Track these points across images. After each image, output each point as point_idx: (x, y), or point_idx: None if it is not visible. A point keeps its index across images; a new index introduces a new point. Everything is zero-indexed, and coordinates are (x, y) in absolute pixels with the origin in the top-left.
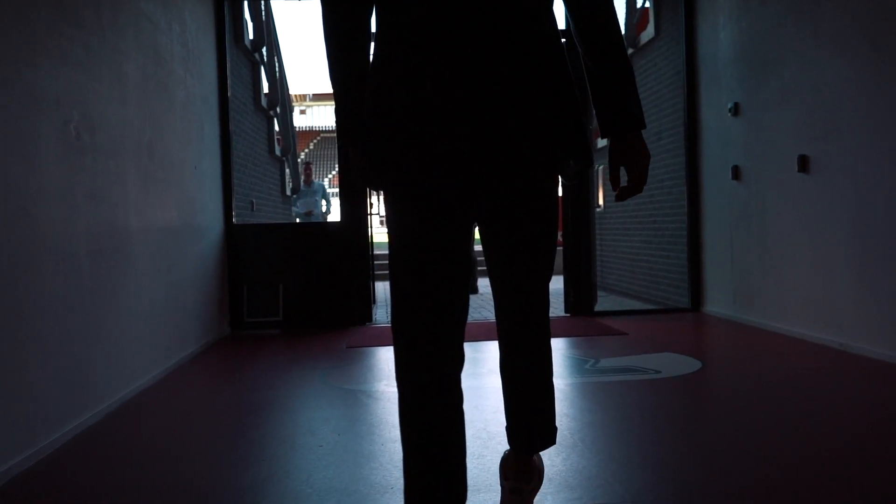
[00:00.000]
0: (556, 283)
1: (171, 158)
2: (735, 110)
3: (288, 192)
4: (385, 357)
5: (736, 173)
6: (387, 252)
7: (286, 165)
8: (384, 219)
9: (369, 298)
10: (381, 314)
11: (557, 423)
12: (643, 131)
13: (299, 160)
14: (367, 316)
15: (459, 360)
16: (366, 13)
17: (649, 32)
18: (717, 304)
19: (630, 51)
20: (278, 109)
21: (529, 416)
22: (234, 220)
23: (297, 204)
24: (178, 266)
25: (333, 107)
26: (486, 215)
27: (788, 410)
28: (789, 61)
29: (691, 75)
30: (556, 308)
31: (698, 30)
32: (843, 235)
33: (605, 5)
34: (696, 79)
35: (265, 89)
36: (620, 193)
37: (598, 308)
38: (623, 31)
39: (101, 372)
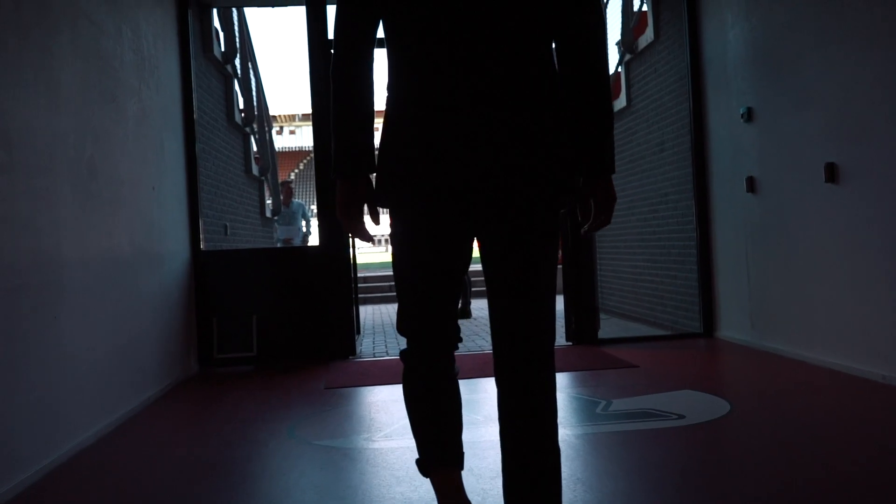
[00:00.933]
0: (556, 307)
1: (120, 177)
2: (748, 116)
3: (268, 214)
4: (369, 401)
5: (751, 185)
6: (372, 275)
7: (266, 186)
8: (390, 235)
9: (352, 329)
10: (367, 345)
11: (571, 495)
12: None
13: (282, 180)
14: (351, 348)
15: (452, 342)
16: (372, 55)
17: (648, 36)
18: (731, 328)
19: (627, 57)
20: (255, 126)
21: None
22: (202, 245)
23: (279, 229)
24: (129, 300)
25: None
26: (488, 245)
27: (842, 464)
28: (811, 59)
29: (696, 79)
30: (557, 336)
31: (703, 29)
32: (881, 250)
33: (597, 55)
34: (703, 83)
35: (241, 104)
36: (591, 228)
37: (601, 335)
38: (620, 37)
39: (21, 435)
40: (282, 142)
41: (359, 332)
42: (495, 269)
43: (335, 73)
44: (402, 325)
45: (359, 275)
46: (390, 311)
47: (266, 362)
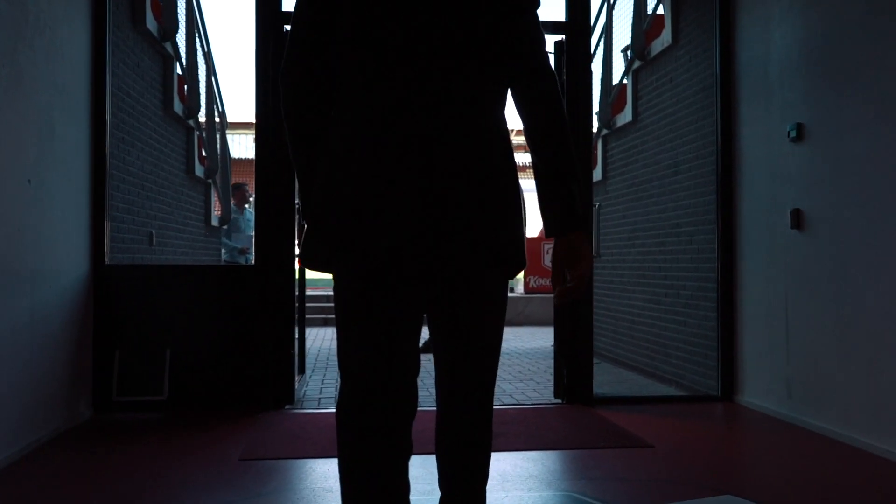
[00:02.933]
0: (546, 360)
1: None
2: (798, 134)
3: (215, 223)
4: (300, 485)
5: (797, 219)
6: (317, 295)
7: (213, 190)
8: (333, 298)
9: (291, 370)
10: (314, 385)
11: None
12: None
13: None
14: (288, 395)
15: (408, 450)
16: (325, 105)
17: (664, 40)
18: (759, 393)
19: (637, 64)
20: (203, 121)
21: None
22: (106, 259)
23: (230, 238)
24: None
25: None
26: (433, 307)
27: None
28: (890, 63)
29: (727, 89)
30: (544, 390)
31: (739, 28)
32: None
33: (555, 107)
34: (734, 93)
35: (185, 93)
36: (560, 293)
37: (596, 389)
38: (630, 42)
39: None
40: (241, 151)
41: (302, 372)
42: (442, 328)
43: (289, 130)
44: (353, 414)
45: (310, 293)
46: None
47: (179, 409)
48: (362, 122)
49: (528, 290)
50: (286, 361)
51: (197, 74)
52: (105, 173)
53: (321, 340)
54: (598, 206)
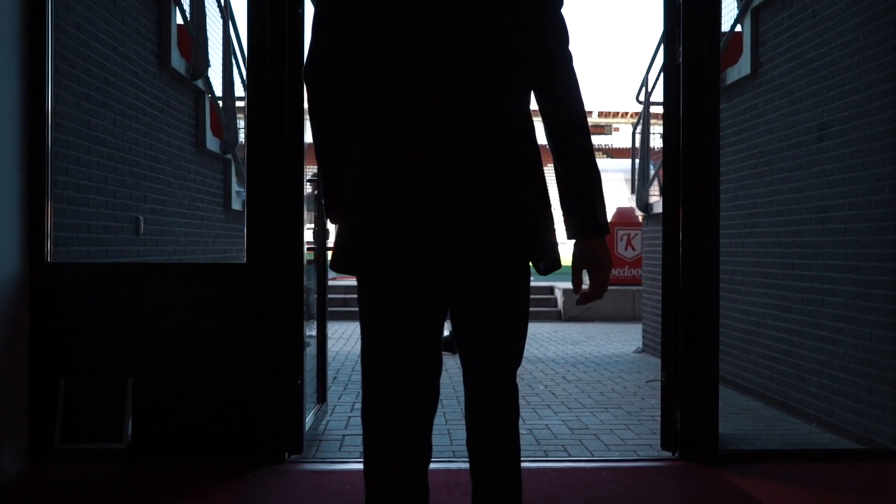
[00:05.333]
0: (632, 373)
1: None
2: None
3: (237, 206)
4: None
5: None
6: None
7: (232, 167)
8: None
9: (297, 405)
10: (339, 418)
11: None
12: None
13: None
14: (294, 439)
15: (429, 453)
16: (347, 104)
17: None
18: None
19: (757, 0)
20: (211, 83)
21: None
22: (48, 256)
23: None
24: None
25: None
26: (457, 306)
27: None
28: None
29: None
30: (642, 430)
31: None
32: None
33: (577, 114)
34: None
35: (190, 49)
36: (581, 298)
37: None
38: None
39: None
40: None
41: (321, 400)
42: (466, 325)
43: (314, 128)
44: (375, 418)
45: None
46: None
47: (144, 460)
48: (389, 128)
49: None
50: (290, 393)
51: (205, 23)
52: (45, 139)
53: (346, 341)
54: None
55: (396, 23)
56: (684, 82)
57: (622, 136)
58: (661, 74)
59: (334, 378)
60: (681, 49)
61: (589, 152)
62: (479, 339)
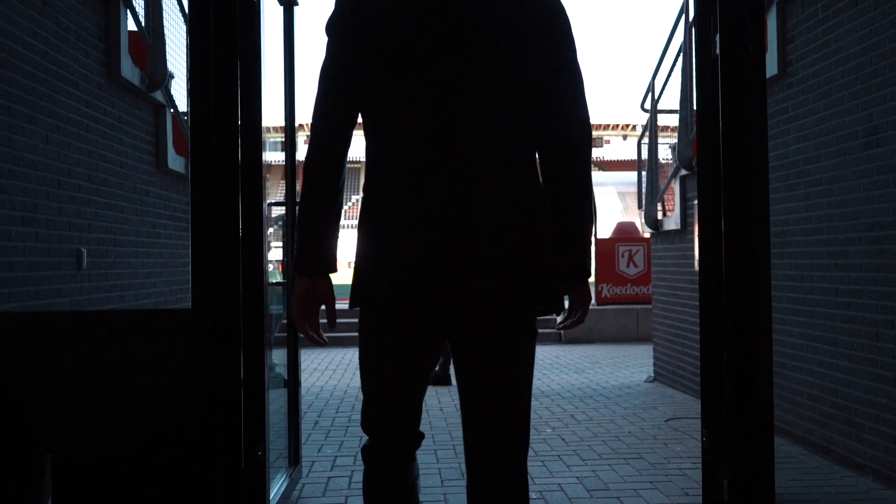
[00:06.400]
0: (649, 409)
1: None
2: None
3: (175, 167)
4: None
5: None
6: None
7: (167, 115)
8: (359, 332)
9: (261, 481)
10: (317, 477)
11: None
12: None
13: None
14: None
15: (416, 442)
16: (347, 150)
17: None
18: None
19: None
20: (170, 93)
21: None
22: None
23: None
24: None
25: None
26: (462, 352)
27: None
28: None
29: None
30: (672, 490)
31: None
32: None
33: (585, 167)
34: None
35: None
36: (562, 324)
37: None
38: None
39: None
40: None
41: (295, 462)
42: (469, 379)
43: (310, 170)
44: (368, 424)
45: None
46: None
47: None
48: (395, 172)
49: (600, 300)
50: (251, 467)
51: (163, 29)
52: None
53: (332, 373)
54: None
55: (403, 75)
56: (724, 79)
57: (614, 149)
58: (668, 80)
59: (315, 422)
60: (717, 40)
61: (589, 204)
62: (483, 389)
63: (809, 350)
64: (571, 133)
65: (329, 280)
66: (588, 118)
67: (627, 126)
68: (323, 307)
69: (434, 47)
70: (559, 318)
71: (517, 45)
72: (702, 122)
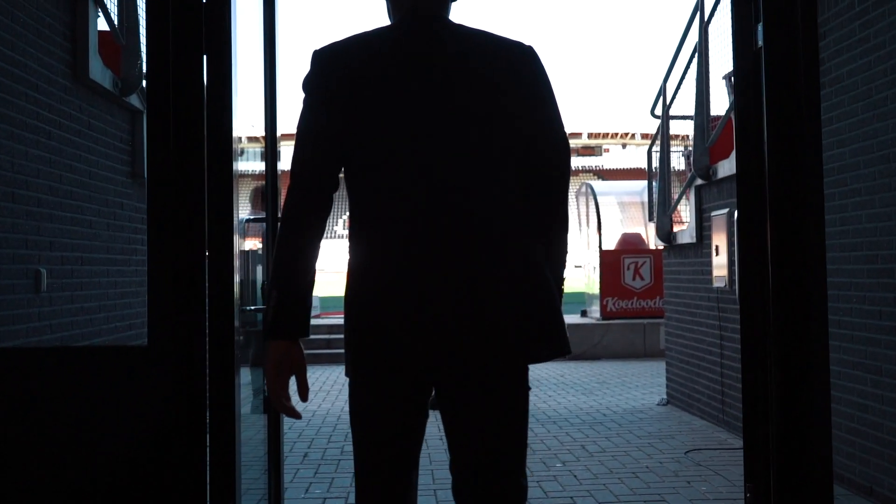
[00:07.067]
0: (668, 438)
1: None
2: None
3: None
4: None
5: None
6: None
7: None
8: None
9: None
10: None
11: None
12: None
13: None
14: None
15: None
16: (325, 216)
17: None
18: None
19: None
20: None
21: None
22: None
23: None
24: None
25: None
26: (450, 411)
27: None
28: None
29: None
30: None
31: None
32: None
33: (564, 214)
34: None
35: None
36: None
37: None
38: None
39: None
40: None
41: None
42: (460, 438)
43: (286, 229)
44: (366, 491)
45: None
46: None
47: None
48: (383, 231)
49: (605, 314)
50: None
51: (138, 27)
52: None
53: (326, 395)
54: (736, 214)
55: (396, 118)
56: (769, 76)
57: (613, 157)
58: (681, 83)
59: (305, 455)
60: (760, 29)
61: (565, 248)
62: (477, 438)
63: (848, 378)
64: (551, 169)
65: (300, 346)
66: (568, 157)
67: (627, 135)
68: (293, 377)
69: (414, 105)
70: None
71: (496, 94)
72: (741, 124)
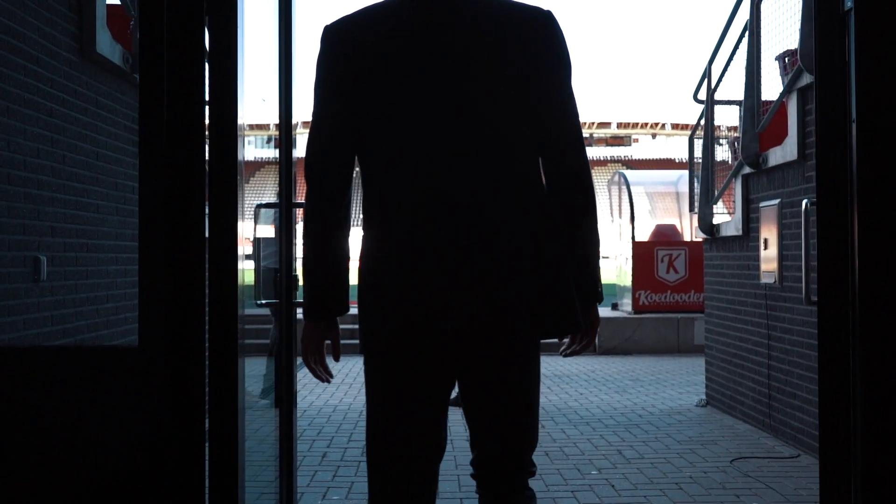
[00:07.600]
0: (710, 444)
1: None
2: None
3: None
4: None
5: None
6: None
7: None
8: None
9: None
10: None
11: None
12: None
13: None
14: None
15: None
16: (347, 200)
17: None
18: None
19: None
20: None
21: None
22: None
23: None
24: None
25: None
26: (467, 385)
27: None
28: None
29: None
30: None
31: None
32: None
33: (589, 190)
34: None
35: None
36: (568, 351)
37: None
38: None
39: None
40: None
41: None
42: (478, 410)
43: (310, 214)
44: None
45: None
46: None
47: None
48: (404, 204)
49: (637, 308)
50: None
51: None
52: None
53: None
54: (806, 203)
55: (401, 102)
56: (859, 41)
57: (642, 147)
58: (728, 63)
59: (323, 454)
60: None
61: (595, 225)
62: (493, 413)
63: None
64: (570, 161)
65: (335, 320)
66: (584, 149)
67: (657, 125)
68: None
69: (430, 80)
70: (563, 346)
71: (511, 62)
72: (822, 97)
